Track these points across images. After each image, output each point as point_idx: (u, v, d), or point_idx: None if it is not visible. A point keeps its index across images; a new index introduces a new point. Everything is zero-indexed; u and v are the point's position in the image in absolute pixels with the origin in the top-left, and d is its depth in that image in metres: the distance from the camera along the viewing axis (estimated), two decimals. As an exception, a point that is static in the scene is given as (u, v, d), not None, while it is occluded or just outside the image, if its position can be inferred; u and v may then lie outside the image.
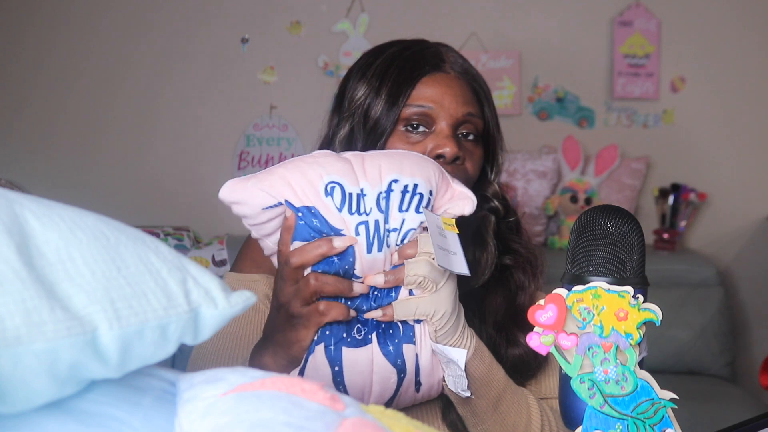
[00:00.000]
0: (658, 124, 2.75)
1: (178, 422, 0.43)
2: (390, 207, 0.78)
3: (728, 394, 2.19)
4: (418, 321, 0.81)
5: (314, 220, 0.76)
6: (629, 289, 0.65)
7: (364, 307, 0.79)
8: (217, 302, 0.49)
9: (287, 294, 0.79)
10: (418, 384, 0.82)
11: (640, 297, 0.65)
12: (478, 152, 0.99)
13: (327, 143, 1.03)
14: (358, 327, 0.78)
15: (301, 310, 0.78)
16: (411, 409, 0.89)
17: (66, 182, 2.73)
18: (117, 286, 0.43)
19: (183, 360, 1.08)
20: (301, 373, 0.80)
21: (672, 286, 2.36)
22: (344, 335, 0.78)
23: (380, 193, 0.78)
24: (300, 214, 0.77)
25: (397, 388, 0.80)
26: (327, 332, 0.79)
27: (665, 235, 2.57)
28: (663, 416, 0.64)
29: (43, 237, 0.42)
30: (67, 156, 2.76)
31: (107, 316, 0.41)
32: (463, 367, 0.81)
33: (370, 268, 0.78)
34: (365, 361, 0.78)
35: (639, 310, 0.64)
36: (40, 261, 0.41)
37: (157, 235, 2.41)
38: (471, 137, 0.98)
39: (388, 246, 0.78)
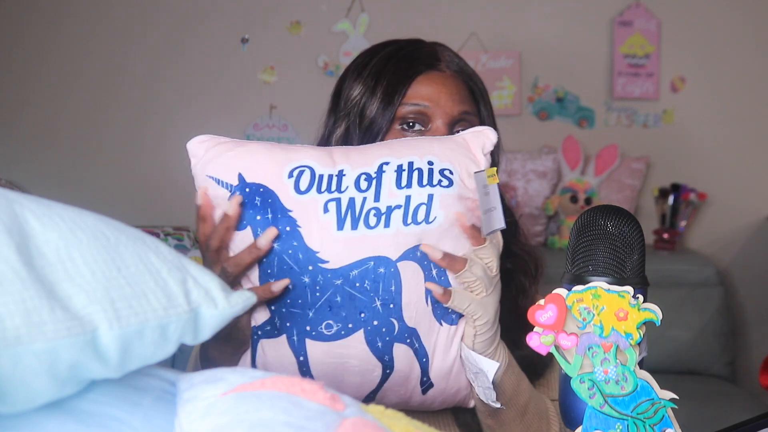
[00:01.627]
0: (658, 124, 2.75)
1: (178, 422, 0.43)
2: (383, 186, 0.77)
3: (728, 394, 2.19)
4: (452, 323, 0.81)
5: (257, 198, 0.76)
6: (629, 289, 0.65)
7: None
8: (217, 302, 0.49)
9: None
10: (425, 383, 0.81)
11: (640, 297, 0.65)
12: None
13: (324, 143, 1.03)
14: (328, 323, 0.76)
15: None
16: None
17: (66, 182, 2.73)
18: (117, 286, 0.43)
19: (183, 360, 1.08)
20: (253, 362, 0.79)
21: (672, 286, 2.36)
22: (307, 328, 0.77)
23: (363, 174, 0.77)
24: (247, 190, 0.76)
25: (380, 383, 0.80)
26: (288, 324, 0.78)
27: (665, 235, 2.57)
28: (663, 416, 0.64)
29: (43, 237, 0.42)
30: (67, 156, 2.76)
31: (107, 316, 0.41)
32: (491, 379, 0.81)
33: (345, 248, 0.76)
34: (336, 353, 0.77)
35: (639, 310, 0.64)
36: (40, 261, 0.41)
37: (157, 235, 2.41)
38: None
39: (388, 225, 0.76)
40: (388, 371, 0.79)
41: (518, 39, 2.74)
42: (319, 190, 0.76)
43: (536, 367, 0.98)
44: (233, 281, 0.78)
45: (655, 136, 2.75)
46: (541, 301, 0.66)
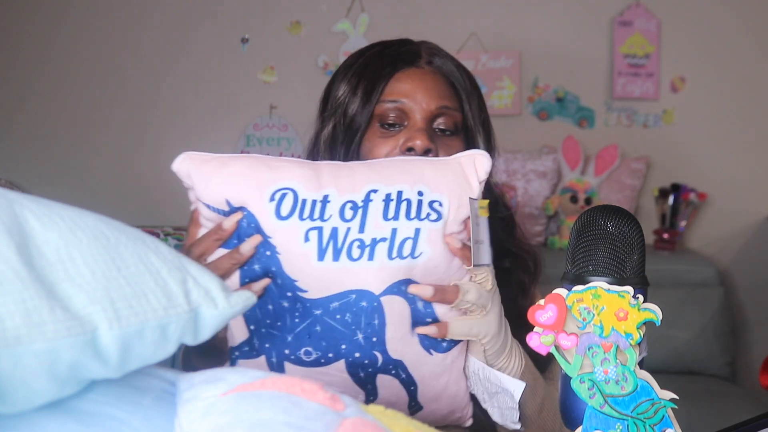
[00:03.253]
0: (658, 124, 2.75)
1: (178, 422, 0.43)
2: (368, 217, 0.74)
3: (728, 394, 2.19)
4: (444, 350, 0.79)
5: (243, 221, 0.74)
6: (629, 289, 0.65)
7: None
8: (217, 302, 0.49)
9: None
10: (414, 407, 0.80)
11: (640, 297, 0.65)
12: (456, 146, 0.98)
13: (313, 144, 1.04)
14: (307, 350, 0.75)
15: None
16: None
17: (66, 182, 2.73)
18: (117, 286, 0.43)
19: (183, 360, 1.08)
20: None
21: (672, 286, 2.36)
22: (286, 351, 0.75)
23: (350, 201, 0.74)
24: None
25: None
26: (267, 345, 0.76)
27: (665, 235, 2.57)
28: (663, 416, 0.63)
29: (43, 237, 0.42)
30: (67, 156, 2.76)
31: (107, 316, 0.41)
32: (517, 400, 0.79)
33: (326, 279, 0.73)
34: (316, 378, 0.74)
35: (639, 310, 0.64)
36: (40, 261, 0.41)
37: (157, 235, 2.40)
38: (447, 131, 0.97)
39: (372, 258, 0.73)
40: (372, 398, 0.78)
41: (518, 39, 2.74)
42: (301, 217, 0.73)
43: (539, 363, 0.98)
44: None
45: (655, 136, 2.74)
46: (541, 301, 0.66)
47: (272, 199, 0.74)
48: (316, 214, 0.73)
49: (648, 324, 0.65)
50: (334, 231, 0.73)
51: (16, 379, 0.37)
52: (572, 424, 0.67)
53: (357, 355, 0.75)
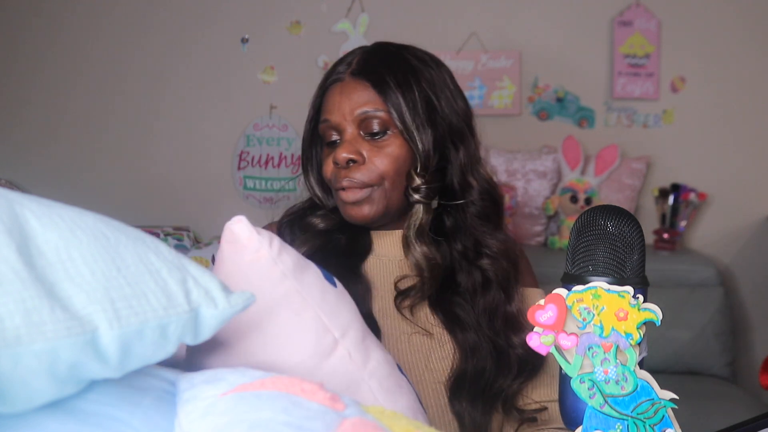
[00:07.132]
0: (658, 124, 2.75)
1: (178, 422, 0.43)
2: None
3: (728, 394, 2.19)
4: None
5: None
6: (629, 289, 0.64)
7: None
8: (218, 302, 0.49)
9: None
10: None
11: (640, 297, 0.65)
12: (389, 146, 0.98)
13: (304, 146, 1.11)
14: None
15: None
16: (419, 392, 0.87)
17: (66, 182, 2.73)
18: (117, 286, 0.43)
19: (183, 360, 1.08)
20: None
21: (672, 286, 2.36)
22: None
23: None
24: None
25: None
26: None
27: (665, 235, 2.57)
28: (663, 416, 0.63)
29: (43, 237, 0.42)
30: (67, 156, 2.76)
31: (107, 316, 0.41)
32: None
33: None
34: None
35: (639, 310, 0.64)
36: (40, 261, 0.41)
37: (157, 235, 2.41)
38: (376, 135, 0.98)
39: None
40: None
41: (518, 39, 2.74)
42: None
43: (535, 364, 0.97)
44: None
45: (655, 136, 2.74)
46: (541, 301, 0.66)
47: None
48: None
49: (648, 324, 0.64)
50: None
51: (16, 379, 0.37)
52: (572, 424, 0.67)
53: None
